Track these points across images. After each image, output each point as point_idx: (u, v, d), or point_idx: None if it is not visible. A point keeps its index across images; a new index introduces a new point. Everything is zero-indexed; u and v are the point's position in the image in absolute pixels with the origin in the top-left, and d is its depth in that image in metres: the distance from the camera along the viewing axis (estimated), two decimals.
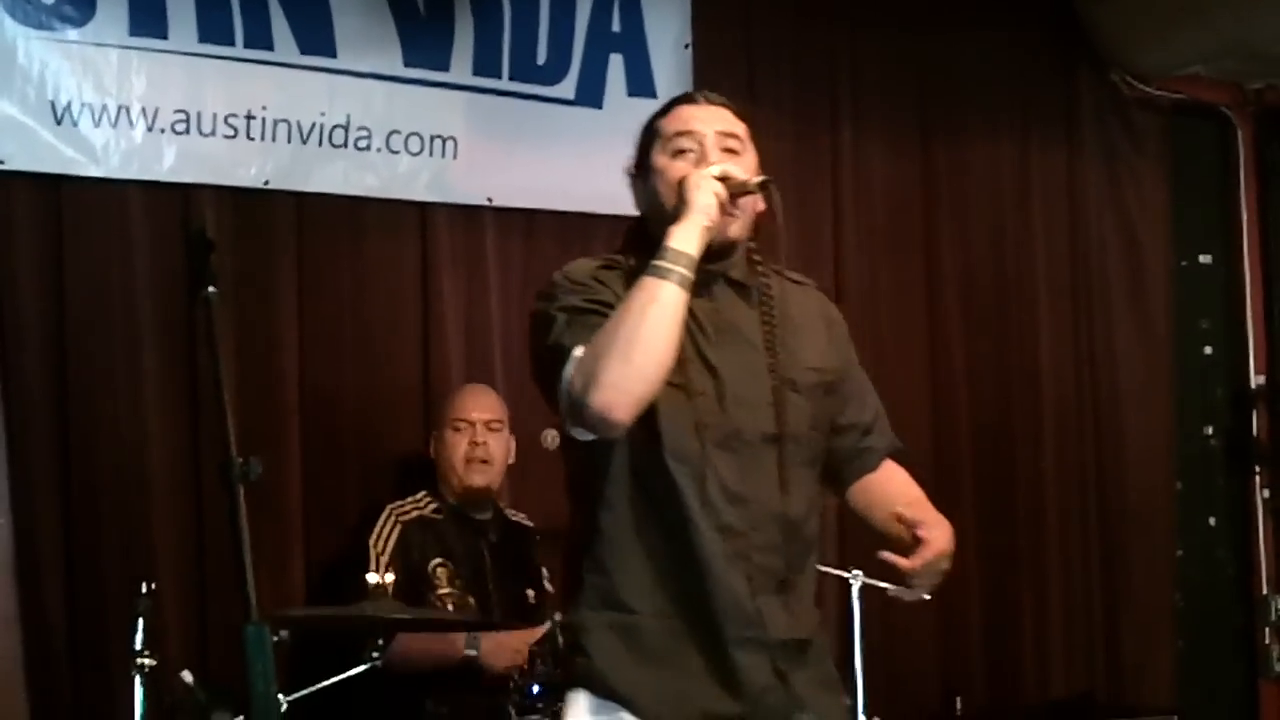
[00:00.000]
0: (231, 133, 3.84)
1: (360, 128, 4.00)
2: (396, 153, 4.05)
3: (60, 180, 3.69)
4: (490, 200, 4.21)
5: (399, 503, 3.75)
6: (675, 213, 2.19)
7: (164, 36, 3.77)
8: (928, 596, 3.82)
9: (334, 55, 3.98)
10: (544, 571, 3.85)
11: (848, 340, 2.43)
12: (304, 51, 3.94)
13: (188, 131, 3.79)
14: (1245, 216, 5.50)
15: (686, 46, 4.46)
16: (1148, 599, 5.13)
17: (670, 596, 2.19)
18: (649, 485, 2.19)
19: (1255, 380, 5.47)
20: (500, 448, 3.78)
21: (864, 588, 3.79)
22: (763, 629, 2.19)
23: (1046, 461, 4.98)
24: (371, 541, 3.66)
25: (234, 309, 3.73)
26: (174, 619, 3.65)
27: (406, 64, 4.08)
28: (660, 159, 2.29)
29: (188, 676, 3.08)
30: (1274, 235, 5.52)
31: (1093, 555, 5.05)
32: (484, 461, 3.74)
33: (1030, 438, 4.97)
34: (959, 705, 4.61)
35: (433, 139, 4.10)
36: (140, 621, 3.06)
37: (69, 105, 3.66)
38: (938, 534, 2.22)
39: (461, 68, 4.15)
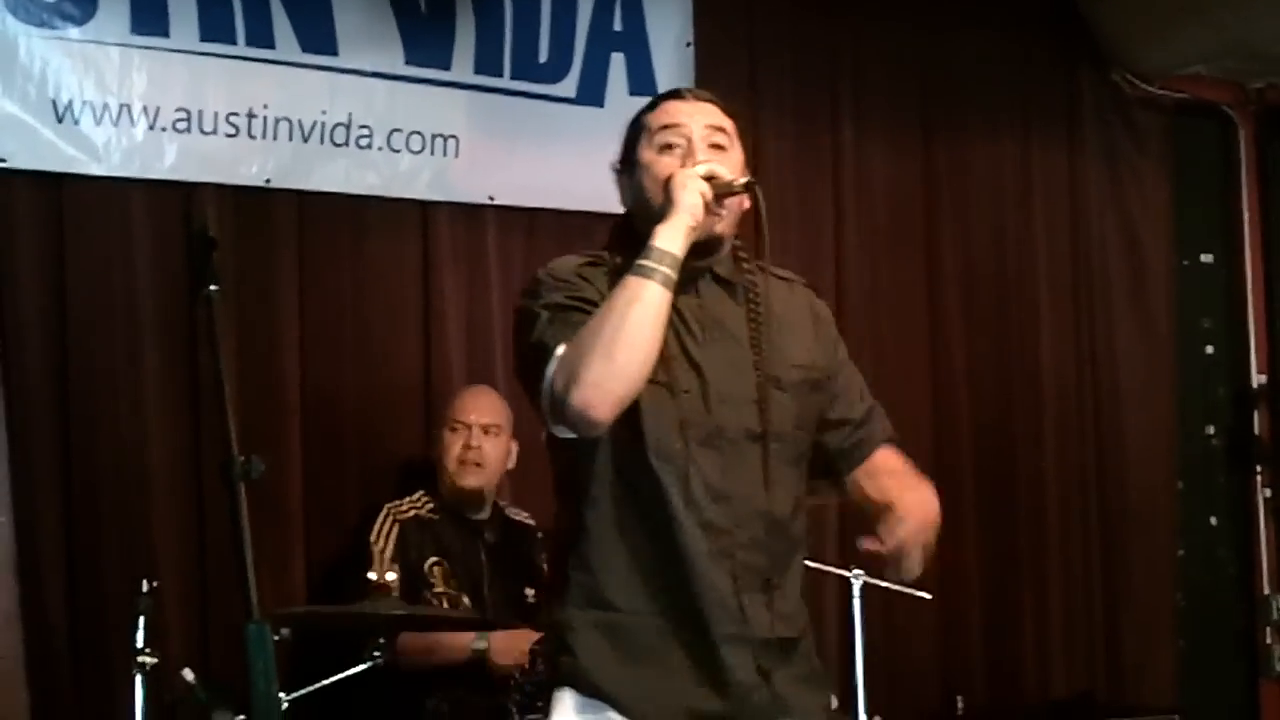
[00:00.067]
0: (233, 131, 3.84)
1: (362, 126, 4.00)
2: (398, 151, 4.05)
3: (61, 179, 3.69)
4: (492, 199, 4.21)
5: (396, 502, 3.75)
6: (661, 211, 2.18)
7: (165, 35, 3.77)
8: (928, 596, 3.86)
9: (335, 54, 3.97)
10: (545, 570, 3.84)
11: (836, 336, 2.42)
12: (305, 50, 3.94)
13: (189, 130, 3.79)
14: (1247, 216, 5.51)
15: (688, 45, 4.46)
16: (1149, 598, 5.13)
17: (655, 594, 2.19)
18: (633, 483, 2.19)
19: (1257, 379, 5.47)
20: (496, 452, 3.76)
21: (865, 587, 3.79)
22: (747, 627, 2.19)
23: (1047, 461, 4.98)
24: (372, 540, 3.65)
25: (235, 307, 3.73)
26: (175, 617, 3.65)
27: (408, 62, 4.08)
28: (647, 154, 2.28)
29: (189, 675, 3.08)
30: (1275, 234, 5.52)
31: (1094, 555, 5.05)
32: (477, 465, 3.73)
33: (1031, 437, 4.97)
34: (960, 705, 4.61)
35: (434, 137, 4.10)
36: (141, 620, 3.07)
37: (70, 103, 3.66)
38: (912, 505, 2.21)
39: (463, 66, 4.15)
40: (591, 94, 4.30)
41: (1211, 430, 5.47)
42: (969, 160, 4.96)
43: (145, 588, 3.09)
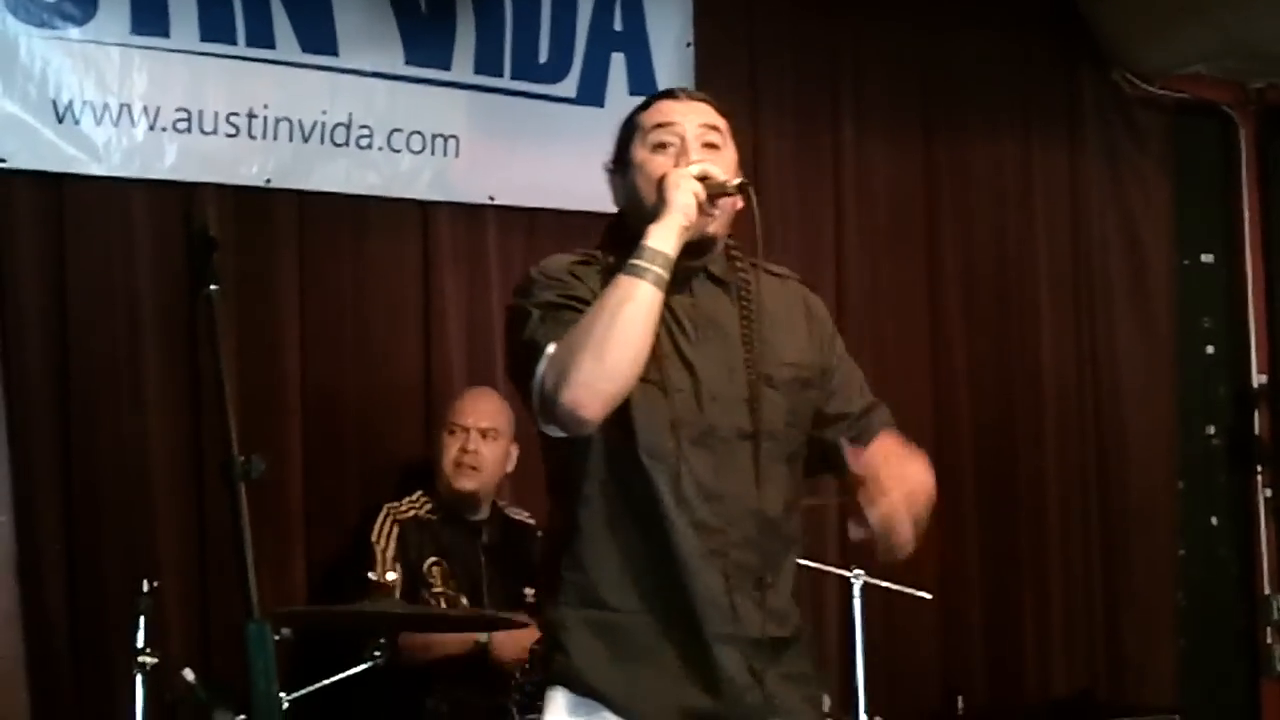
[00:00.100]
0: (233, 131, 3.84)
1: (362, 126, 4.00)
2: (398, 151, 4.05)
3: (62, 179, 3.69)
4: (492, 199, 4.21)
5: (396, 502, 3.75)
6: (654, 210, 2.18)
7: (166, 35, 3.77)
8: (928, 595, 3.86)
9: (336, 54, 3.97)
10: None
11: (832, 331, 2.41)
12: (306, 50, 3.94)
13: (189, 130, 3.79)
14: (1247, 215, 5.50)
15: (688, 45, 4.46)
16: (1149, 598, 5.13)
17: (647, 593, 2.19)
18: (625, 483, 2.19)
19: (1257, 379, 5.47)
20: (493, 455, 3.74)
21: (865, 587, 3.79)
22: (739, 626, 2.19)
23: (1048, 460, 4.98)
24: (374, 540, 3.65)
25: (235, 307, 3.72)
26: (175, 617, 3.65)
27: (408, 62, 4.08)
28: (640, 153, 2.27)
29: (189, 674, 3.08)
30: (1276, 234, 5.52)
31: (1094, 554, 5.05)
32: (473, 468, 3.72)
33: (1032, 437, 4.97)
34: (960, 704, 4.62)
35: (434, 137, 4.10)
36: (141, 619, 3.07)
37: (71, 103, 3.66)
38: (894, 478, 2.15)
39: (463, 66, 4.15)
40: (592, 94, 4.30)
41: (1212, 430, 5.47)
42: (969, 160, 4.96)
43: (146, 587, 3.10)
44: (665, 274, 2.13)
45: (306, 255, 3.99)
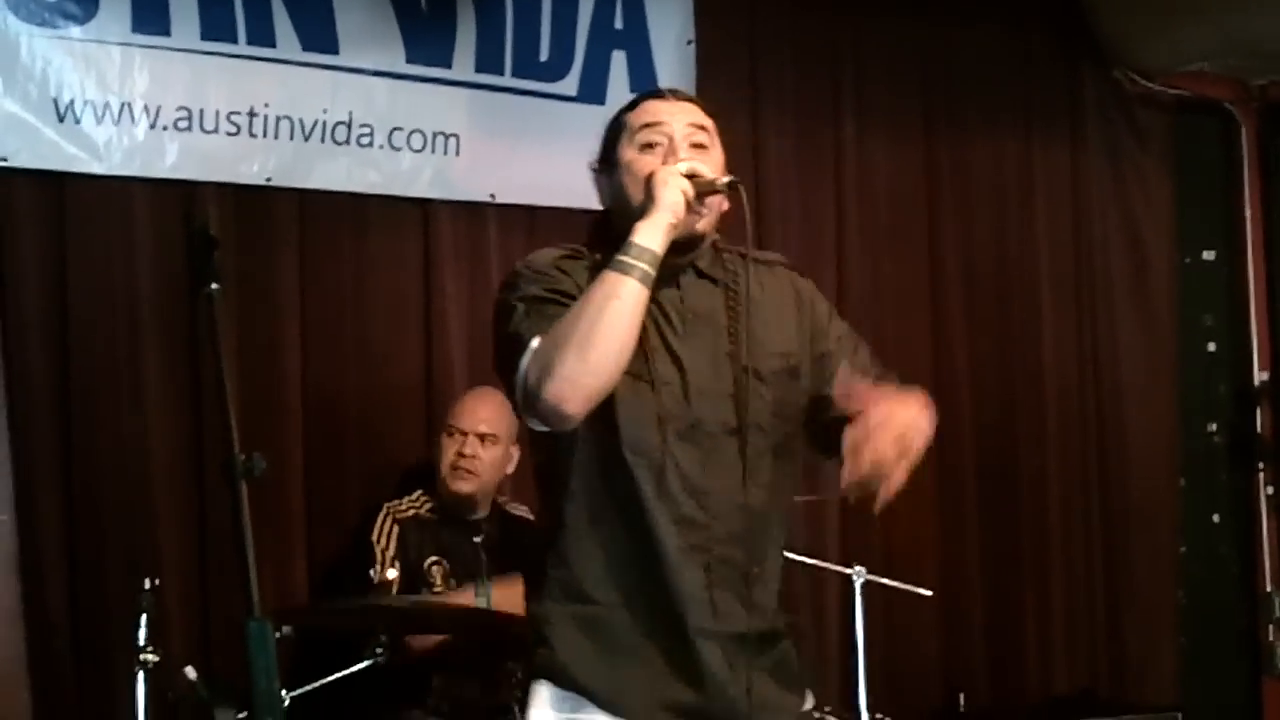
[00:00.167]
0: (234, 130, 3.84)
1: (362, 124, 4.00)
2: (399, 149, 4.05)
3: (63, 178, 3.69)
4: (493, 197, 4.21)
5: (395, 501, 3.75)
6: (641, 209, 2.18)
7: (166, 34, 3.77)
8: (929, 593, 3.86)
9: (336, 52, 3.97)
10: None
11: (825, 311, 2.40)
12: (306, 48, 3.94)
13: (190, 129, 3.79)
14: (1249, 213, 5.50)
15: (689, 43, 4.46)
16: (1151, 596, 5.13)
17: (629, 588, 2.20)
18: (608, 478, 2.19)
19: (1259, 377, 5.47)
20: (491, 459, 3.72)
21: (866, 585, 3.79)
22: (720, 621, 2.19)
23: (1049, 459, 4.98)
24: (375, 539, 3.65)
25: (236, 306, 3.73)
26: (177, 615, 3.65)
27: (409, 61, 4.07)
28: (628, 153, 2.27)
29: (191, 673, 3.08)
30: (1277, 231, 5.52)
31: (1095, 552, 5.05)
32: (469, 472, 3.71)
33: (1033, 435, 4.97)
34: (962, 702, 4.62)
35: (435, 136, 4.10)
36: (143, 618, 3.07)
37: (71, 103, 3.66)
38: (880, 414, 2.11)
39: (464, 64, 4.15)
40: (593, 92, 4.29)
41: (1213, 427, 5.48)
42: (970, 158, 4.96)
43: (147, 586, 3.10)
44: (652, 271, 2.13)
45: (307, 254, 3.99)
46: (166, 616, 3.48)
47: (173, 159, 3.77)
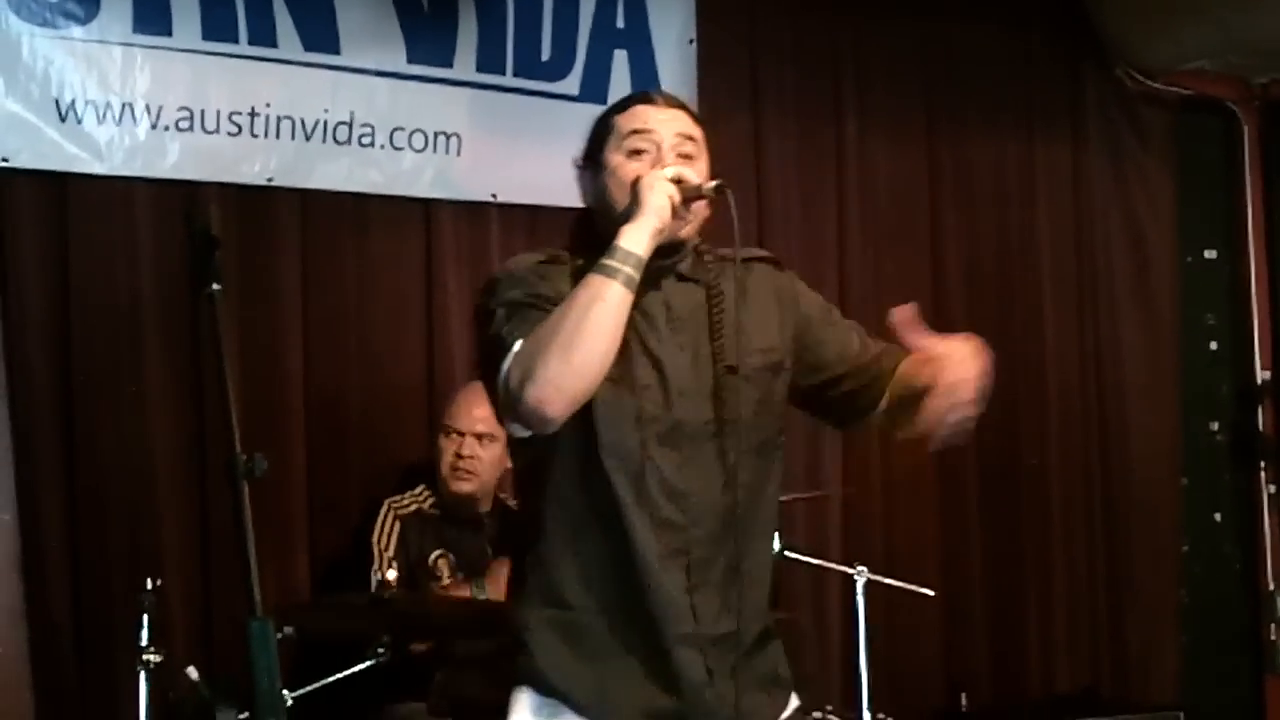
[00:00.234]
0: (235, 130, 3.84)
1: (364, 124, 4.00)
2: (400, 149, 4.05)
3: (64, 178, 3.69)
4: (494, 196, 4.21)
5: (397, 497, 3.75)
6: (626, 213, 2.18)
7: (168, 34, 3.77)
8: (931, 593, 3.85)
9: (338, 52, 3.98)
10: None
11: (813, 301, 2.41)
12: (308, 48, 3.94)
13: (191, 129, 3.79)
14: (1251, 211, 5.50)
15: (691, 42, 4.46)
16: (1153, 594, 5.13)
17: (609, 593, 2.19)
18: (587, 482, 2.18)
19: (1261, 375, 5.47)
20: (490, 457, 3.71)
21: (868, 584, 3.79)
22: (698, 626, 2.18)
23: (1051, 457, 4.98)
24: (375, 539, 3.66)
25: (238, 306, 3.73)
26: (179, 615, 3.66)
27: (410, 60, 4.08)
28: (614, 157, 2.27)
29: (193, 672, 3.08)
30: (1279, 230, 5.52)
31: (1098, 551, 5.05)
32: (469, 472, 3.71)
33: (1035, 433, 4.97)
34: (964, 701, 4.62)
35: (436, 135, 4.10)
36: (145, 617, 3.08)
37: (73, 103, 3.67)
38: (952, 348, 2.27)
39: (465, 64, 4.15)
40: (594, 91, 4.29)
41: (1215, 426, 5.47)
42: (972, 157, 4.96)
43: (149, 585, 3.10)
44: (636, 275, 2.13)
45: (309, 254, 4.00)
46: (169, 616, 3.49)
47: (174, 159, 3.78)
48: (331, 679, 3.21)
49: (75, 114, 3.66)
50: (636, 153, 2.25)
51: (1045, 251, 5.04)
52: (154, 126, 3.75)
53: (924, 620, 4.57)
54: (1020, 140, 5.03)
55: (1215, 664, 5.32)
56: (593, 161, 2.31)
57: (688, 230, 2.25)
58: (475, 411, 3.72)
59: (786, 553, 3.69)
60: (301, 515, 3.91)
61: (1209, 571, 5.38)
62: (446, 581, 3.66)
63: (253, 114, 3.85)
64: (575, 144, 2.37)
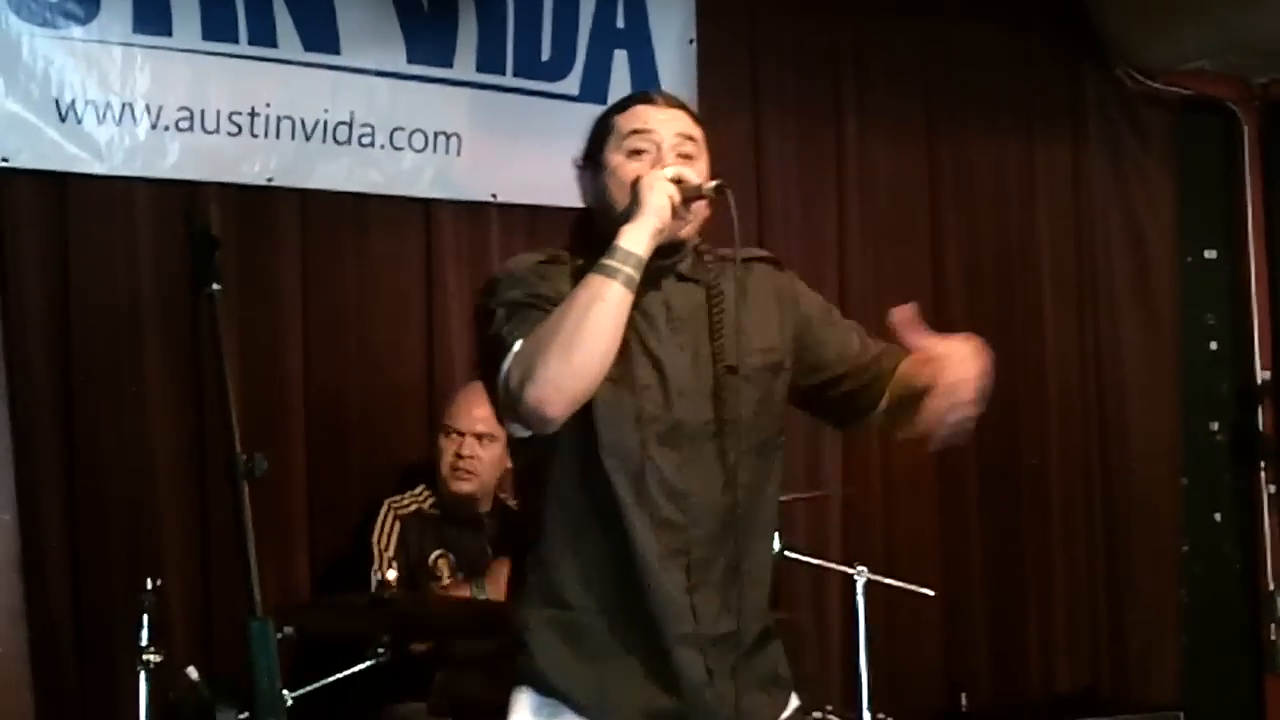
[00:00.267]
0: (235, 130, 3.84)
1: (364, 124, 4.01)
2: (400, 149, 4.06)
3: (64, 178, 3.70)
4: (494, 196, 4.21)
5: (397, 497, 3.75)
6: (626, 213, 2.18)
7: (168, 34, 3.77)
8: (931, 593, 3.85)
9: (338, 52, 3.98)
10: None
11: (813, 301, 2.41)
12: (308, 48, 3.94)
13: (191, 129, 3.79)
14: (1251, 211, 5.50)
15: (691, 42, 4.46)
16: (1153, 594, 5.13)
17: (608, 593, 2.19)
18: (587, 482, 2.18)
19: (1261, 375, 5.47)
20: (490, 457, 3.71)
21: (868, 584, 3.79)
22: (698, 626, 2.18)
23: (1051, 457, 4.98)
24: (375, 539, 3.66)
25: (238, 306, 3.73)
26: (179, 615, 3.66)
27: (410, 60, 4.08)
28: (615, 157, 2.27)
29: (193, 672, 3.08)
30: (1279, 230, 5.52)
31: (1098, 551, 5.05)
32: (469, 472, 3.71)
33: (1035, 433, 4.97)
34: (964, 701, 4.62)
35: (437, 135, 4.10)
36: (145, 617, 3.08)
37: (73, 103, 3.67)
38: (952, 348, 2.27)
39: (465, 64, 4.15)
40: (594, 91, 4.29)
41: (1216, 426, 5.47)
42: (972, 157, 4.96)
43: (149, 585, 3.10)
44: (636, 275, 2.13)
45: (309, 254, 4.00)
46: (169, 616, 3.49)
47: (174, 159, 3.78)
48: (331, 679, 3.21)
49: (75, 114, 3.66)
50: (636, 153, 2.25)
51: (1045, 251, 5.04)
52: (154, 126, 3.75)
53: (924, 620, 4.57)
54: (1020, 140, 5.03)
55: (1215, 664, 5.32)
56: (593, 161, 2.31)
57: (688, 230, 2.25)
58: (475, 411, 3.72)
59: (786, 553, 3.69)
60: (301, 515, 3.91)
61: (1209, 571, 5.38)
62: (446, 581, 3.66)
63: (253, 114, 3.85)
64: (575, 144, 2.37)
